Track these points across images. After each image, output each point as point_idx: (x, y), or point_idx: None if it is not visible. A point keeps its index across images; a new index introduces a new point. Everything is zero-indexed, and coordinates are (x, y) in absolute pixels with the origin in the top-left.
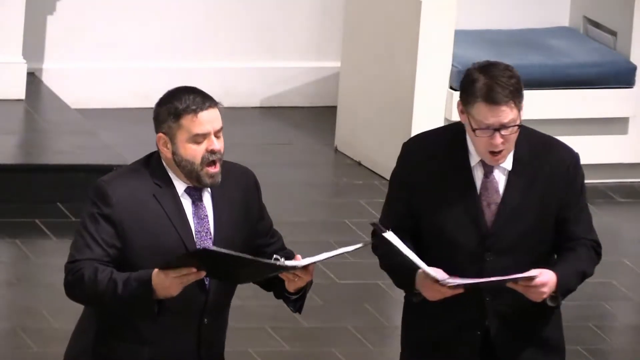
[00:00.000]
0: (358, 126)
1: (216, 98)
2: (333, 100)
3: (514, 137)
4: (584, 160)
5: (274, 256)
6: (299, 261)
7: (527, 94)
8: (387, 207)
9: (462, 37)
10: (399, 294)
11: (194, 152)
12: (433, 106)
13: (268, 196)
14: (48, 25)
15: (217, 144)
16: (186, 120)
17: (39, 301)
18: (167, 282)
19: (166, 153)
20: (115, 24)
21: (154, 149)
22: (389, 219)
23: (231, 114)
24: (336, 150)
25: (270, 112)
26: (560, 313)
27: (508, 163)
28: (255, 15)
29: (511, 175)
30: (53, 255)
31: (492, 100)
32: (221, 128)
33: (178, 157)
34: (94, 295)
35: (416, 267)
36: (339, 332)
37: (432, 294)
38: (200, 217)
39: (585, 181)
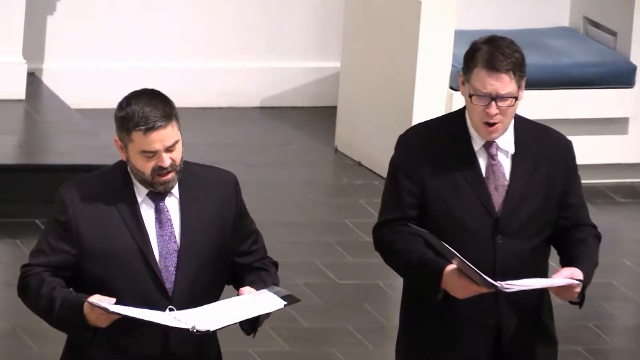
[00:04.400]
0: (358, 126)
1: (216, 98)
2: (333, 100)
3: (510, 111)
4: (584, 160)
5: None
6: (210, 325)
7: (527, 94)
8: (390, 198)
9: (462, 37)
10: (399, 294)
11: (144, 165)
12: (433, 106)
13: (268, 196)
14: (48, 25)
15: (167, 161)
16: (136, 136)
17: None
18: (92, 316)
19: (122, 156)
20: (115, 24)
21: None
22: (395, 210)
23: (231, 114)
24: (336, 150)
25: (270, 112)
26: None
27: (510, 146)
28: (255, 16)
29: (515, 159)
30: None
31: (492, 66)
32: (175, 142)
33: (130, 164)
34: (36, 309)
35: (442, 265)
36: (339, 332)
37: (463, 293)
38: (162, 222)
39: (586, 181)
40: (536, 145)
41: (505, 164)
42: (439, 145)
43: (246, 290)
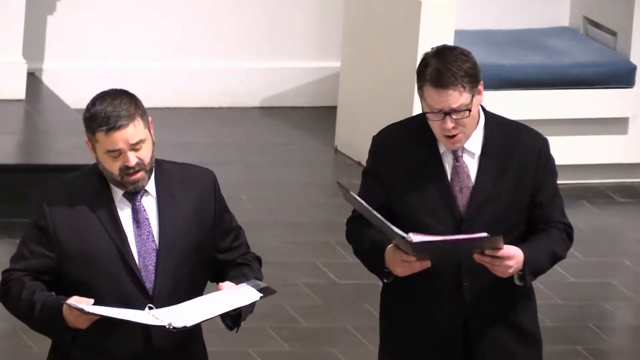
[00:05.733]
0: (358, 126)
1: (216, 98)
2: (333, 100)
3: (467, 121)
4: (584, 160)
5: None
6: (186, 321)
7: (527, 94)
8: (361, 197)
9: (462, 37)
10: None
11: (111, 165)
12: None
13: (268, 196)
14: (48, 25)
15: (133, 160)
16: (100, 137)
17: None
18: (71, 318)
19: (94, 157)
20: (115, 24)
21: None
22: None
23: (231, 114)
24: (336, 150)
25: (270, 112)
26: (535, 304)
27: (476, 147)
28: (255, 16)
29: (482, 159)
30: None
31: (439, 84)
32: (140, 141)
33: (100, 165)
34: (17, 314)
35: (386, 244)
36: (339, 332)
37: (400, 269)
38: (140, 221)
39: (586, 181)
40: (506, 145)
41: (471, 165)
42: (407, 146)
43: (226, 285)
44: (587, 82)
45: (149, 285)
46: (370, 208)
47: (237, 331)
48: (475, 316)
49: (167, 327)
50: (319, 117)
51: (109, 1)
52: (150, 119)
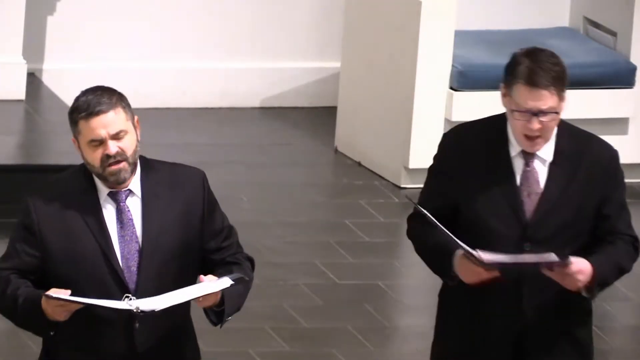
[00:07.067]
0: (358, 126)
1: (216, 98)
2: (333, 100)
3: (552, 125)
4: None
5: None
6: (155, 306)
7: None
8: (424, 197)
9: (462, 37)
10: (399, 294)
11: (93, 156)
12: (433, 106)
13: (268, 196)
14: (48, 25)
15: (113, 149)
16: (81, 125)
17: None
18: (49, 310)
19: (80, 157)
20: (115, 24)
21: (153, 149)
22: (428, 207)
23: (231, 114)
24: (336, 150)
25: (270, 112)
26: (592, 318)
27: (548, 154)
28: (255, 15)
29: (552, 167)
30: None
31: (532, 83)
32: (121, 131)
33: (85, 160)
34: (2, 311)
35: (454, 248)
36: (339, 332)
37: (469, 277)
38: (124, 222)
39: None
40: (577, 154)
41: (541, 171)
42: (477, 147)
43: (207, 278)
44: (587, 83)
45: (131, 285)
46: (438, 223)
47: (221, 327)
48: (532, 322)
49: (134, 310)
50: (319, 117)
51: (109, 1)
52: (137, 117)
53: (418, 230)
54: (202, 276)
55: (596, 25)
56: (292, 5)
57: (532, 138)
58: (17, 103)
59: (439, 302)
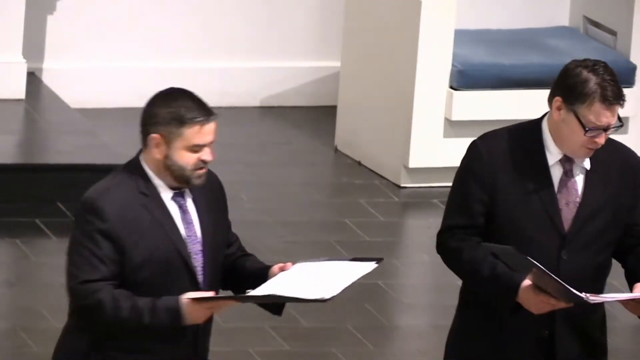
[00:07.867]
0: (358, 126)
1: (216, 98)
2: (333, 100)
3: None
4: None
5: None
6: (331, 292)
7: (528, 94)
8: (459, 204)
9: (462, 37)
10: (399, 294)
11: (188, 160)
12: (433, 106)
13: (268, 196)
14: (48, 25)
15: (211, 156)
16: (190, 130)
17: (39, 301)
18: (200, 312)
19: (156, 154)
20: (115, 24)
21: None
22: (462, 216)
23: (231, 114)
24: (336, 150)
25: (270, 112)
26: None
27: (587, 162)
28: (255, 15)
29: (589, 175)
30: (53, 255)
31: (607, 100)
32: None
33: (170, 160)
34: (116, 322)
35: (519, 282)
36: (339, 332)
37: (540, 309)
38: (188, 222)
39: None
40: (607, 162)
41: (579, 179)
42: (513, 154)
43: (287, 266)
44: None
45: (203, 286)
46: (552, 274)
47: (280, 315)
48: (562, 328)
49: (323, 300)
50: (319, 117)
51: (109, 1)
52: None
53: (463, 254)
54: (275, 267)
55: (596, 24)
56: (292, 5)
57: (592, 150)
58: (17, 102)
59: (462, 302)
